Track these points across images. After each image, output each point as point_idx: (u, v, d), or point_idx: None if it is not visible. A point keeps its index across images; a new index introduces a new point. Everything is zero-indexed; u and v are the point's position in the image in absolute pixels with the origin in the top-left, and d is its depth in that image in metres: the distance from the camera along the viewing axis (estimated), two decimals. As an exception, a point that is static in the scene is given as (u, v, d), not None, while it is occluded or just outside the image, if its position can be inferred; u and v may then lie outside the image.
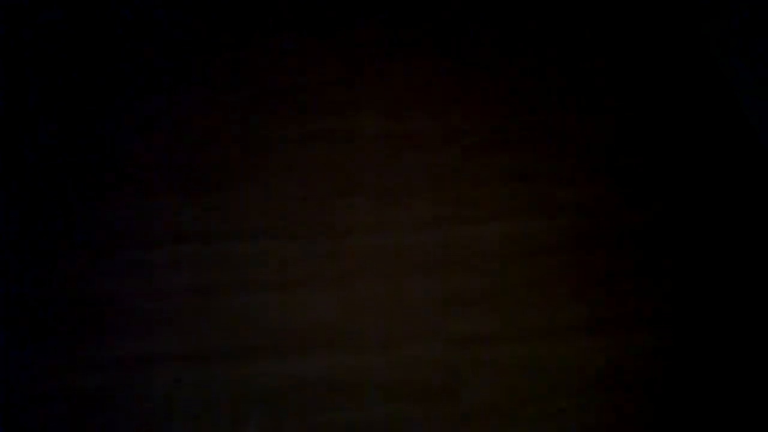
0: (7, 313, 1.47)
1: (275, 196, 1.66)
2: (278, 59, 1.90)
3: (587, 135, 1.78)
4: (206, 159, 1.71)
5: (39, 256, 1.55)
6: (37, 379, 1.40)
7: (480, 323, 1.49)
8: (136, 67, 1.86)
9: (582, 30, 1.99)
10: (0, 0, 1.86)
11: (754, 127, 1.78)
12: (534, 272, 1.56)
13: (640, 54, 1.95)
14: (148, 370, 1.41)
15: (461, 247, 1.59)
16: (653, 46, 1.97)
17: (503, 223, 1.62)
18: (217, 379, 1.40)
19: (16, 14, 1.88)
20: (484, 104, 1.83)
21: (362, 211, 1.63)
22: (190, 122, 1.77)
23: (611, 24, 2.01)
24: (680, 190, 1.70)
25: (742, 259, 1.59)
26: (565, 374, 1.43)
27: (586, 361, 1.45)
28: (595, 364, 1.44)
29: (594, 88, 1.87)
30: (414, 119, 1.79)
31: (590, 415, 1.38)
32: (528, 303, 1.52)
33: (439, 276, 1.54)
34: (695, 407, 1.40)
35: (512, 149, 1.75)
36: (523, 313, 1.50)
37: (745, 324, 1.50)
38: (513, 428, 1.37)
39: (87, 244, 1.57)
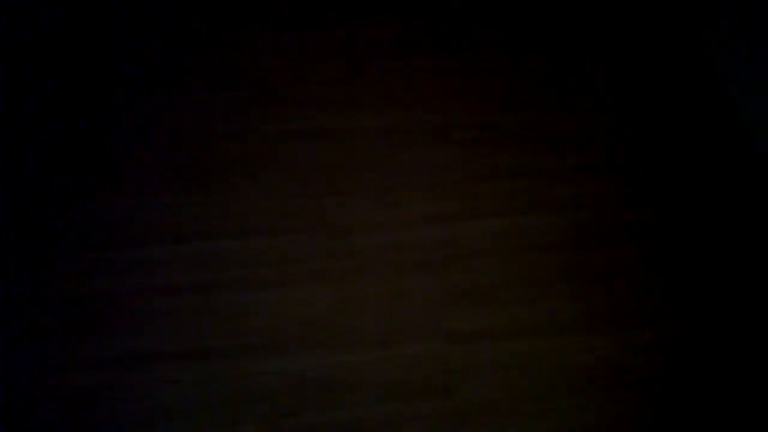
0: (6, 313, 1.47)
1: (275, 194, 1.66)
2: (277, 58, 1.90)
3: (587, 133, 1.78)
4: (206, 158, 1.71)
5: (38, 255, 1.55)
6: (35, 378, 1.40)
7: (479, 321, 1.49)
8: (136, 66, 1.86)
9: (582, 28, 1.99)
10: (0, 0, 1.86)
11: (748, 126, 1.78)
12: (533, 270, 1.56)
13: (640, 54, 1.95)
14: (147, 369, 1.41)
15: (460, 244, 1.58)
16: (653, 46, 1.97)
17: (502, 220, 1.62)
18: (216, 377, 1.40)
19: (16, 14, 1.88)
20: (484, 102, 1.83)
21: (361, 209, 1.63)
22: (189, 121, 1.77)
23: (611, 22, 2.01)
24: (679, 188, 1.70)
25: (740, 257, 1.59)
26: (564, 372, 1.43)
27: (585, 359, 1.44)
28: (595, 362, 1.44)
29: (594, 87, 1.87)
30: (414, 117, 1.79)
31: (590, 414, 1.38)
32: (527, 301, 1.51)
33: (439, 273, 1.54)
34: (694, 405, 1.40)
35: (512, 147, 1.75)
36: (522, 311, 1.50)
37: (745, 322, 1.50)
38: (512, 426, 1.36)
39: (86, 243, 1.57)
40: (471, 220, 1.62)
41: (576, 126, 1.79)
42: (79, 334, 1.45)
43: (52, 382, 1.39)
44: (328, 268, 1.55)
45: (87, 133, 1.75)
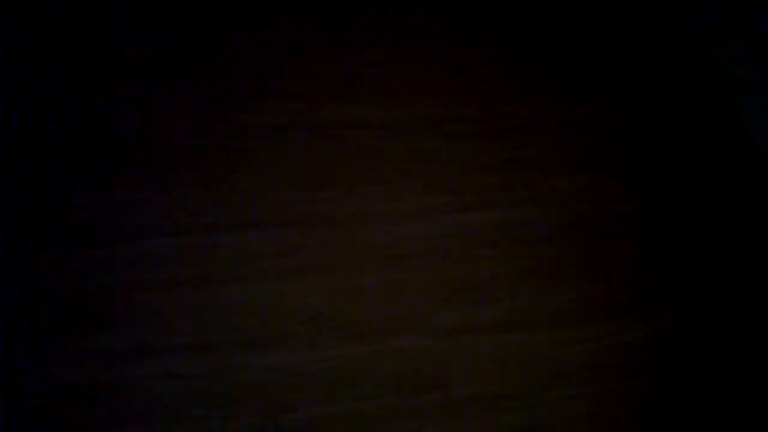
0: (4, 310, 1.47)
1: (272, 188, 1.66)
2: (272, 49, 1.90)
3: (581, 125, 1.78)
4: (204, 152, 1.71)
5: (36, 252, 1.56)
6: (31, 374, 1.40)
7: (472, 313, 1.48)
8: (133, 59, 1.87)
9: (579, 20, 2.00)
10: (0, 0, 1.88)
11: (746, 123, 1.78)
12: (526, 262, 1.56)
13: (640, 51, 1.95)
14: (143, 364, 1.41)
15: (453, 236, 1.58)
16: (653, 43, 1.97)
17: (495, 212, 1.62)
18: (215, 371, 1.40)
19: (16, 14, 1.91)
20: (477, 93, 1.83)
21: (353, 201, 1.64)
22: (185, 114, 1.77)
23: (611, 19, 2.02)
24: (674, 181, 1.70)
25: (737, 250, 1.59)
26: (558, 365, 1.43)
27: (578, 352, 1.44)
28: (589, 355, 1.44)
29: (588, 79, 1.87)
30: (407, 109, 1.79)
31: (583, 406, 1.38)
32: (520, 293, 1.51)
33: (430, 266, 1.54)
34: (692, 397, 1.40)
35: (504, 138, 1.75)
36: (515, 303, 1.50)
37: (742, 315, 1.50)
38: (505, 419, 1.36)
39: (82, 238, 1.57)
40: (468, 212, 1.62)
41: (570, 117, 1.79)
42: (77, 330, 1.45)
43: (48, 377, 1.39)
44: (319, 261, 1.55)
45: (85, 128, 1.76)
